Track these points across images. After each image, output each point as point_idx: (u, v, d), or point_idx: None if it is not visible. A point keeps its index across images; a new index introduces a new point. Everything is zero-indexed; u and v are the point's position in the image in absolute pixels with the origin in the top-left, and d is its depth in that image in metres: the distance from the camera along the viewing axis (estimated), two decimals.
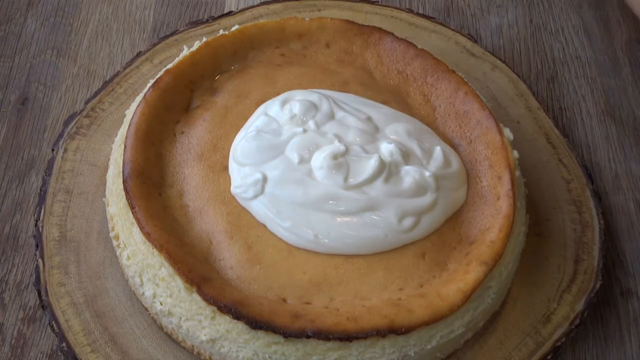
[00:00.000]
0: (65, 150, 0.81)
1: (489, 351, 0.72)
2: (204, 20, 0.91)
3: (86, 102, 0.84)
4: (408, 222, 0.71)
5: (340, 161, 0.71)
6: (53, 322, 0.71)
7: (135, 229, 0.70)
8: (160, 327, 0.72)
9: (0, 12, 0.95)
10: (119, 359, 0.70)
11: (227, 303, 0.65)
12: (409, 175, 0.72)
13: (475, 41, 0.91)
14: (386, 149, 0.73)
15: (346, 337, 0.64)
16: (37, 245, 0.75)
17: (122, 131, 0.77)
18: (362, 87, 0.79)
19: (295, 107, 0.75)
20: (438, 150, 0.74)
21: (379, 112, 0.77)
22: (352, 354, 0.65)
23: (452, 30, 0.91)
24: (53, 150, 0.81)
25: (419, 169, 0.72)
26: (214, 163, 0.74)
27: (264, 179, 0.71)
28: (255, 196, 0.71)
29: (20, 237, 0.79)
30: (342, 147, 0.72)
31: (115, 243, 0.74)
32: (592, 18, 0.98)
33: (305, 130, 0.74)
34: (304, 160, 0.72)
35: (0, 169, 0.83)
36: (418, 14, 0.92)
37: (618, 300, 0.78)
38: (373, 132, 0.74)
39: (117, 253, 0.74)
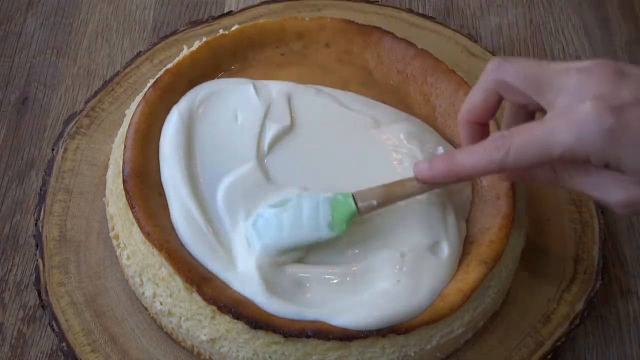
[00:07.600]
0: (65, 150, 0.81)
1: (489, 351, 0.71)
2: (204, 20, 0.90)
3: (86, 102, 0.84)
4: None
5: None
6: (53, 322, 0.71)
7: (135, 229, 0.70)
8: (160, 327, 0.72)
9: (0, 12, 0.95)
10: (119, 359, 0.70)
11: (227, 303, 0.65)
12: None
13: (475, 41, 0.91)
14: None
15: (346, 337, 0.64)
16: (37, 245, 0.75)
17: (122, 131, 0.77)
18: (362, 87, 0.79)
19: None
20: (440, 151, 0.74)
21: (379, 111, 0.76)
22: (352, 354, 0.65)
23: (452, 30, 0.91)
24: (53, 150, 0.81)
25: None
26: None
27: None
28: None
29: (20, 237, 0.79)
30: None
31: (115, 243, 0.74)
32: (592, 18, 0.98)
33: None
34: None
35: (0, 169, 0.83)
36: (418, 14, 0.92)
37: (618, 300, 0.78)
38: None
39: (117, 253, 0.74)
